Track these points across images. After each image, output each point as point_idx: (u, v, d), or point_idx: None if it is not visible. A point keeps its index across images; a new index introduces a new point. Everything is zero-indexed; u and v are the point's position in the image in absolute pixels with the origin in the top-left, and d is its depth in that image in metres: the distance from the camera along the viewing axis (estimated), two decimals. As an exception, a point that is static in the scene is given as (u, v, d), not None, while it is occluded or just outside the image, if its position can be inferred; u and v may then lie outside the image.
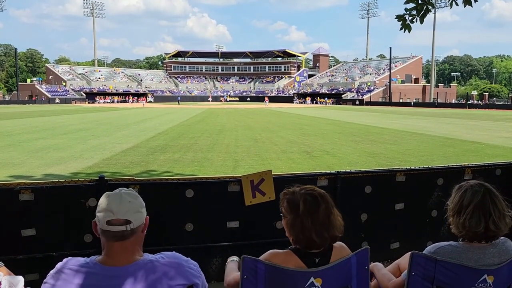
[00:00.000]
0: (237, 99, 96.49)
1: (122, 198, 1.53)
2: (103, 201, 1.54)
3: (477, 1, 4.60)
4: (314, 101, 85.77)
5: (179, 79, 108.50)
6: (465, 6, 4.65)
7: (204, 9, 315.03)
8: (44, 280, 1.53)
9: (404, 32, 4.82)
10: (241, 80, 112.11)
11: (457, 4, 4.70)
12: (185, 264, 1.59)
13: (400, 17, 4.81)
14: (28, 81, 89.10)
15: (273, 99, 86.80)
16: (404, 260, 2.05)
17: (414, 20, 4.78)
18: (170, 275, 1.52)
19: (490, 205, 1.82)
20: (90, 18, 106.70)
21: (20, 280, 1.72)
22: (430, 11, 4.77)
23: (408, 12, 4.77)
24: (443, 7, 59.45)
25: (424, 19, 4.76)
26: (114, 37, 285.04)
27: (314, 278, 1.70)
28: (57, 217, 3.08)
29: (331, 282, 1.74)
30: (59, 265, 1.54)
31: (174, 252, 1.63)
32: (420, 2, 4.67)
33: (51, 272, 1.53)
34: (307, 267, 1.72)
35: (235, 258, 2.06)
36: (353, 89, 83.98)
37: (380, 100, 74.67)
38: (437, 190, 3.92)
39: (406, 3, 4.74)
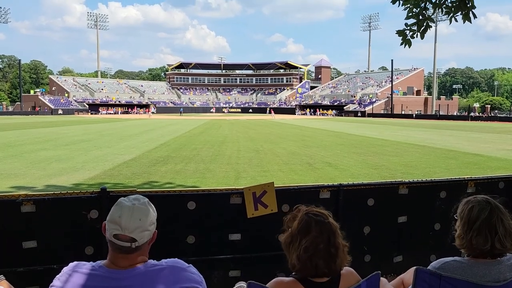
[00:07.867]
0: (239, 110, 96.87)
1: (134, 214, 1.52)
2: (114, 211, 1.54)
3: (476, 17, 4.62)
4: (315, 113, 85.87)
5: (181, 90, 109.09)
6: (464, 22, 4.67)
7: (202, 21, 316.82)
8: (51, 284, 1.55)
9: (405, 47, 4.84)
10: (243, 91, 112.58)
11: (456, 20, 4.73)
12: (186, 269, 1.62)
13: (400, 32, 4.82)
14: (32, 92, 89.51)
15: (275, 111, 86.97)
16: (408, 275, 2.03)
17: (415, 35, 4.79)
18: (172, 279, 1.55)
19: (497, 223, 1.80)
20: (89, 30, 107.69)
21: (21, 293, 1.71)
22: (431, 27, 4.78)
23: (408, 28, 4.79)
24: (444, 20, 59.79)
25: (425, 34, 4.77)
26: (113, 48, 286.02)
27: None
28: (58, 229, 3.07)
29: None
30: (65, 269, 1.58)
31: (176, 258, 1.65)
32: (421, 18, 4.69)
33: (57, 276, 1.57)
34: None
35: (243, 284, 2.02)
36: (355, 101, 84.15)
37: (382, 112, 74.75)
38: (440, 203, 3.90)
39: (406, 18, 4.76)
